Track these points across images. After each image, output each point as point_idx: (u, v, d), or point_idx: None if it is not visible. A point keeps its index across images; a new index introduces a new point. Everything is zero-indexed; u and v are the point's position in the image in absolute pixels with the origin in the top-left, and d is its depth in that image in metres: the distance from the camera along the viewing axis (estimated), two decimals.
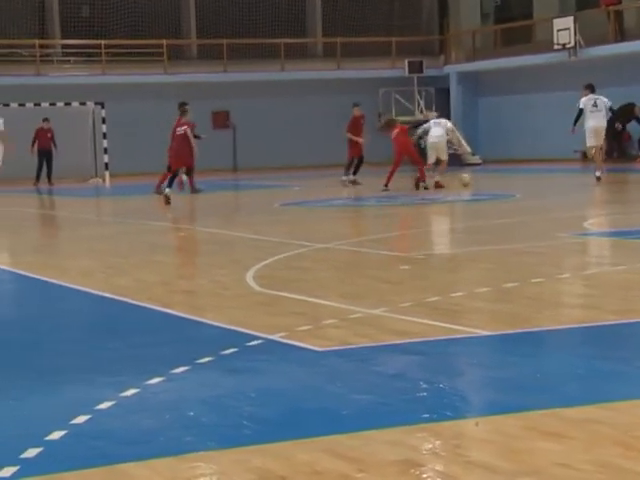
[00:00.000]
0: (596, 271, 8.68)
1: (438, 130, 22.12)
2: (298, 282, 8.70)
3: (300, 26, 37.31)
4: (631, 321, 6.49)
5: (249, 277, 8.90)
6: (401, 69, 35.44)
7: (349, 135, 23.74)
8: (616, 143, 30.90)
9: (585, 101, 21.22)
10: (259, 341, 6.19)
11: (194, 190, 21.04)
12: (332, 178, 28.10)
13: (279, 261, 10.12)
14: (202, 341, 6.40)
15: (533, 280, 8.17)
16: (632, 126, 30.46)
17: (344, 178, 23.58)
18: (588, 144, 21.27)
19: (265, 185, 26.26)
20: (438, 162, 22.09)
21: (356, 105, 24.48)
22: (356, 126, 23.85)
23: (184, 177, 21.15)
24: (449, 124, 22.64)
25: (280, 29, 36.37)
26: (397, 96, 35.68)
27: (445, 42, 37.61)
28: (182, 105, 20.70)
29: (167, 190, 19.09)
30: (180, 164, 20.07)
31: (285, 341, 6.16)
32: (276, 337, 6.26)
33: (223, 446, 4.12)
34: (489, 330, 6.35)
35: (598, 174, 20.64)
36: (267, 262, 9.95)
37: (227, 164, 34.73)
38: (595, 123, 21.00)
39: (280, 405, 4.76)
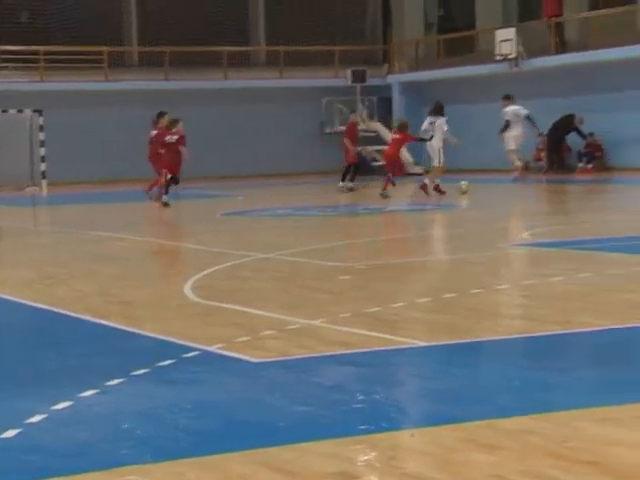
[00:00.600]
0: (535, 282, 8.73)
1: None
2: (238, 293, 8.65)
3: (243, 34, 37.26)
4: (569, 332, 6.55)
5: (188, 288, 8.83)
6: (344, 78, 35.54)
7: (346, 142, 24.06)
8: (556, 155, 31.22)
9: (511, 111, 22.48)
10: (196, 352, 6.13)
11: (162, 201, 20.71)
12: (276, 187, 28.08)
13: (219, 271, 10.06)
14: (138, 352, 6.32)
15: (472, 291, 8.20)
16: (572, 137, 30.81)
17: (340, 184, 23.80)
18: (514, 147, 22.96)
19: (208, 194, 26.16)
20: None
21: (353, 112, 25.31)
22: (353, 133, 24.29)
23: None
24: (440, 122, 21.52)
25: (223, 37, 36.27)
26: (340, 105, 35.78)
27: (388, 52, 37.80)
28: (162, 114, 21.51)
29: (165, 197, 20.03)
30: (171, 170, 20.46)
31: (223, 352, 6.11)
32: (214, 348, 6.20)
33: (158, 459, 4.07)
34: (428, 341, 6.36)
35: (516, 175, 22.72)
36: (207, 272, 9.88)
37: None
38: (521, 131, 23.39)
39: (216, 417, 4.72)
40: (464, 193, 21.08)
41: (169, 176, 20.44)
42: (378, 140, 34.85)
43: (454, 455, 4.01)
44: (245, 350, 6.12)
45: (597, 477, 3.68)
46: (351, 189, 23.64)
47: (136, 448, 4.23)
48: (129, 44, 36.28)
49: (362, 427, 4.42)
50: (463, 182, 21.44)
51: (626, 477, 3.66)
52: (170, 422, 4.64)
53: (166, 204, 19.93)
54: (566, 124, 30.32)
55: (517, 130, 23.16)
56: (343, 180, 23.97)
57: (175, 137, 20.55)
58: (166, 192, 20.24)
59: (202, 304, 8.04)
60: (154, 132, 21.56)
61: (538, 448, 4.04)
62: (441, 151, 21.52)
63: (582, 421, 4.39)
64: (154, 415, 4.76)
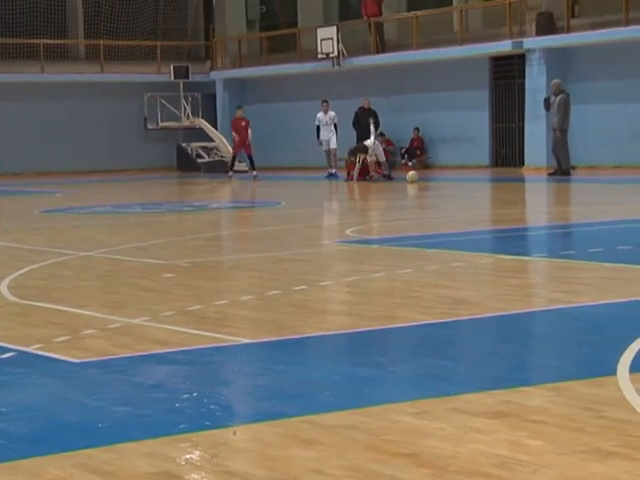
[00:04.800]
0: (357, 278, 8.85)
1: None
2: (57, 292, 8.46)
3: (61, 27, 36.41)
4: (390, 327, 6.66)
5: (3, 287, 8.57)
6: (167, 74, 35.25)
7: (234, 134, 28.22)
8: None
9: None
10: (12, 353, 5.95)
11: None
12: (96, 185, 27.60)
13: (37, 270, 9.81)
14: None
15: (296, 287, 8.25)
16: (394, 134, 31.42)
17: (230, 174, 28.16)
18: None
19: (25, 191, 25.47)
20: None
21: (239, 107, 29.02)
22: (237, 126, 28.05)
23: None
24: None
25: (39, 29, 35.34)
26: (163, 101, 35.46)
27: (211, 48, 37.67)
28: None
29: None
30: None
31: (41, 353, 5.95)
32: (31, 349, 6.04)
33: None
34: (252, 338, 6.36)
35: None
36: (23, 271, 9.62)
37: None
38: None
39: (33, 420, 4.58)
40: (412, 182, 23.46)
41: None
42: (204, 136, 34.75)
43: (275, 451, 4.02)
44: (64, 350, 5.98)
45: (414, 469, 3.75)
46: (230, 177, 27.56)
47: None
48: None
49: (183, 426, 4.38)
50: (411, 172, 24.38)
51: (441, 468, 3.75)
52: None
53: None
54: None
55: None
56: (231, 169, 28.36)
57: None
58: None
59: (19, 304, 7.81)
60: None
61: (358, 442, 4.09)
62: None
63: (400, 414, 4.47)
64: None
